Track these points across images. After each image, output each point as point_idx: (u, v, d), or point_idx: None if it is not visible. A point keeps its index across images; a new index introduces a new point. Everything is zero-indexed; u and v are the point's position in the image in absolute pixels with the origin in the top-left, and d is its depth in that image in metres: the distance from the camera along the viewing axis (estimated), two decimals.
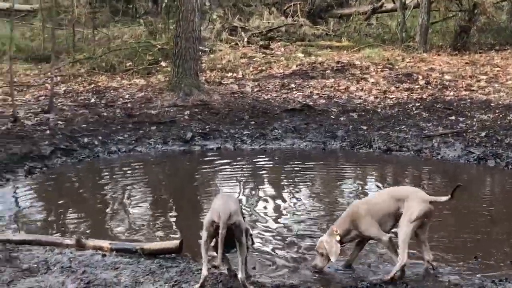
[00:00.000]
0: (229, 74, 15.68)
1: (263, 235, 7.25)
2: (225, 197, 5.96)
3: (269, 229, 7.46)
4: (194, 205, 8.79)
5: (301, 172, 10.14)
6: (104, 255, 6.31)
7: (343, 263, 6.27)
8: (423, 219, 5.98)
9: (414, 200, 6.00)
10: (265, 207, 8.36)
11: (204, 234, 5.55)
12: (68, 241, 6.66)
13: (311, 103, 13.31)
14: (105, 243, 6.56)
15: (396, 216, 6.06)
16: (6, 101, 13.00)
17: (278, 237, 7.21)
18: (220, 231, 5.38)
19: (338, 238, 5.99)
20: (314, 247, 6.19)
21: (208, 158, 11.01)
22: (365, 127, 12.06)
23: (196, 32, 13.69)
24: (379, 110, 12.92)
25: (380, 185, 9.51)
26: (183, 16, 13.49)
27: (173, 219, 8.09)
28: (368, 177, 10.23)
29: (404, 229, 5.91)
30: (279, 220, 7.86)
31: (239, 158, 10.94)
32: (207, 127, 12.07)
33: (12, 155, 10.18)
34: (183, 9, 13.51)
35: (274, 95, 13.99)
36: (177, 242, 6.41)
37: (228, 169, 10.39)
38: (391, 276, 5.83)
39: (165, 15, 19.28)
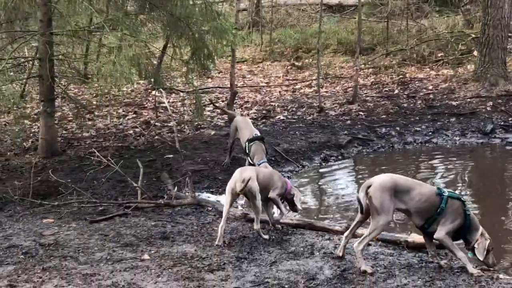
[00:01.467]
0: None
1: None
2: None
3: None
4: (489, 203, 8.28)
5: None
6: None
7: None
8: None
9: None
10: None
11: None
12: (338, 227, 6.85)
13: None
14: None
15: None
16: (317, 92, 13.70)
17: None
18: None
19: None
20: None
21: (509, 152, 10.40)
22: None
23: (505, 19, 12.99)
24: None
25: None
26: (492, 2, 12.92)
27: None
28: None
29: None
30: None
31: None
32: (510, 119, 11.38)
33: (312, 143, 10.74)
34: None
35: None
36: None
37: None
38: None
39: (482, 2, 18.40)
